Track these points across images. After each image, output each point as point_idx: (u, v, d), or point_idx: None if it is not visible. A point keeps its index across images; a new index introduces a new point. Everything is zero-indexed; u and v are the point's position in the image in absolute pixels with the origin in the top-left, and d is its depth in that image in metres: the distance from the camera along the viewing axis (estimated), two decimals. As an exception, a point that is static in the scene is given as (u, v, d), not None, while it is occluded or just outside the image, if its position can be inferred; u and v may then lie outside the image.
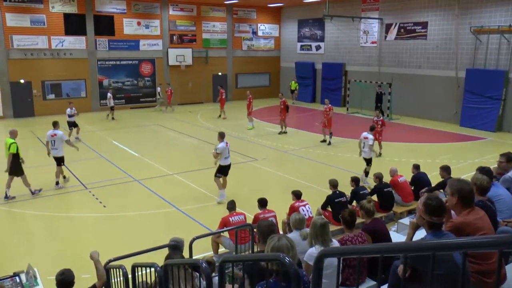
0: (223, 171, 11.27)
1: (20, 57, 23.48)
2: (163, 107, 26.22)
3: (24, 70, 23.61)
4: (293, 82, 29.88)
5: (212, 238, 7.97)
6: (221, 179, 11.31)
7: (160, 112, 25.85)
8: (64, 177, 12.82)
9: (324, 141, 17.48)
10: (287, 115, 19.66)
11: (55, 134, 12.28)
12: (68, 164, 14.18)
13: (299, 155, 15.79)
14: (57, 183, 12.34)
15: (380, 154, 15.29)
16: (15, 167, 11.17)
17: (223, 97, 23.79)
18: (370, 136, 12.28)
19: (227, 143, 11.22)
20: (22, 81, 23.71)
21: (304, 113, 25.71)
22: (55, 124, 12.47)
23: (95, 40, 25.54)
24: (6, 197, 11.19)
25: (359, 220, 6.86)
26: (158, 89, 27.05)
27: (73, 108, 17.89)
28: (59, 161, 12.38)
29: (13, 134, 11.48)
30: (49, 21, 23.99)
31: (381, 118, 15.86)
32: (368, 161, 12.40)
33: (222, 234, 7.94)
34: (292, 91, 29.62)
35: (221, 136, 11.26)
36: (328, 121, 17.18)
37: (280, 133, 19.39)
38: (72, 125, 17.87)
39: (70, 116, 17.76)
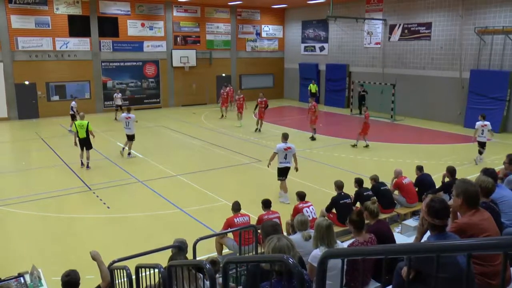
0: (281, 173, 11.18)
1: (25, 58, 23.59)
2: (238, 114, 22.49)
3: (29, 71, 23.71)
4: (311, 84, 28.08)
5: (216, 239, 7.97)
6: (285, 183, 11.22)
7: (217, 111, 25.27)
8: (129, 153, 15.44)
9: (313, 138, 18.28)
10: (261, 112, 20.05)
11: (129, 117, 15.09)
12: (72, 166, 14.28)
13: (302, 156, 15.73)
14: (129, 153, 15.43)
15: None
16: (90, 142, 14.08)
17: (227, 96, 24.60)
18: (488, 123, 14.72)
19: (289, 147, 11.10)
20: (26, 82, 23.81)
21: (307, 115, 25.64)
22: (129, 110, 15.70)
23: (99, 42, 25.63)
24: (83, 164, 14.07)
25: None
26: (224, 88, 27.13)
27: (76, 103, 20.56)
28: (132, 137, 15.29)
29: (84, 116, 14.32)
30: (53, 23, 24.09)
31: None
32: (484, 144, 14.64)
33: (226, 235, 7.93)
34: (313, 94, 26.94)
35: (284, 137, 11.36)
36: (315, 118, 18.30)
37: (257, 130, 20.18)
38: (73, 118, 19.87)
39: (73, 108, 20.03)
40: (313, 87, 27.97)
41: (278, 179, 11.28)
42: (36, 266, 6.18)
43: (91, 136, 14.16)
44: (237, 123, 21.67)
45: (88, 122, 14.08)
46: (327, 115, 25.37)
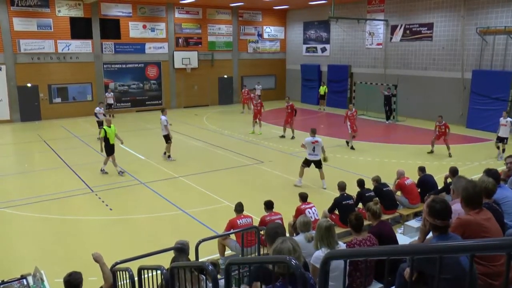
0: (307, 162, 12.33)
1: (27, 61, 23.64)
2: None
3: (31, 74, 23.77)
4: (321, 86, 27.83)
5: (218, 240, 7.96)
6: (304, 169, 12.35)
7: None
8: (169, 156, 15.50)
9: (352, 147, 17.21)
10: (294, 119, 19.33)
11: (160, 119, 15.46)
12: (74, 167, 14.29)
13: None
14: (169, 156, 15.50)
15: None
16: (106, 148, 13.58)
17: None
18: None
19: (316, 140, 12.10)
20: (29, 85, 23.87)
21: (310, 115, 25.67)
22: (163, 110, 15.96)
23: (101, 44, 25.67)
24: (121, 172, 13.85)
25: (365, 223, 6.83)
26: (244, 88, 27.22)
27: (102, 108, 19.54)
28: (166, 139, 15.41)
29: (107, 122, 14.01)
30: (55, 25, 24.14)
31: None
32: (503, 139, 15.08)
33: (228, 236, 7.93)
34: (322, 96, 27.39)
35: (312, 131, 12.44)
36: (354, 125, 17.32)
37: (282, 136, 19.16)
38: (101, 124, 18.98)
39: (98, 115, 19.03)
40: (322, 89, 27.72)
41: (302, 165, 12.39)
42: (38, 268, 6.19)
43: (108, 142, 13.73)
44: (250, 129, 20.34)
45: (102, 129, 13.87)
46: (328, 116, 25.37)
